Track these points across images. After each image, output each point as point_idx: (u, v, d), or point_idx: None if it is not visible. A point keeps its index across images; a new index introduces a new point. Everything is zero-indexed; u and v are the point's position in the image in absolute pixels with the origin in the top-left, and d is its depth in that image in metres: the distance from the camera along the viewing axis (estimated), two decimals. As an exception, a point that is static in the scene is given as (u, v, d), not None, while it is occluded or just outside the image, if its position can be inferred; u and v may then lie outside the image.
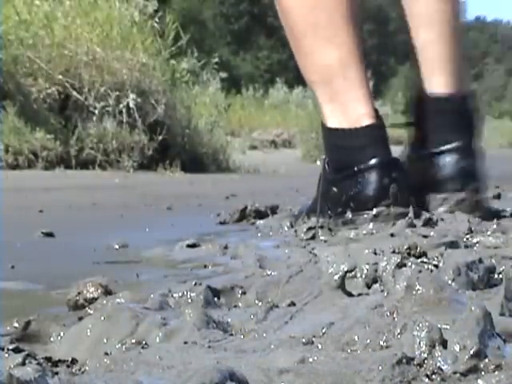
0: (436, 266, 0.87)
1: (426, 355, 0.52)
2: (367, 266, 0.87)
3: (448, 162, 1.49)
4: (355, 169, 1.36)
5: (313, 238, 1.36)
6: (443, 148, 1.49)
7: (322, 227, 1.38)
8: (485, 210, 1.51)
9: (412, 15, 1.54)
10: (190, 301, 0.76)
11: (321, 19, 1.39)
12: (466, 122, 1.52)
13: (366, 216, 1.35)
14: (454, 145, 1.49)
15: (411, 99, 1.60)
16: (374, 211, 1.34)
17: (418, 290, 0.61)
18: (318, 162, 1.54)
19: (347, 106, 1.39)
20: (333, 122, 1.41)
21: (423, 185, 1.50)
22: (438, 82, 1.51)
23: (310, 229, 1.40)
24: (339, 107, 1.40)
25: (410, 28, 1.56)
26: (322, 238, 1.36)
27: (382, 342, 0.56)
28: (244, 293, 0.84)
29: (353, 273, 0.86)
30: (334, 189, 1.41)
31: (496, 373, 0.51)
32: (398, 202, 1.35)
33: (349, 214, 1.37)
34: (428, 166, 1.52)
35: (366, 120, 1.38)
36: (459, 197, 1.47)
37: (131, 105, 5.53)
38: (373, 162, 1.35)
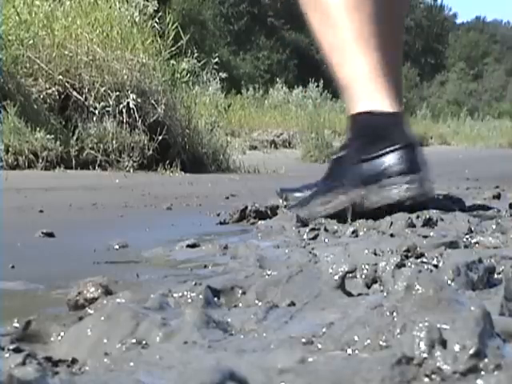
0: (436, 266, 0.88)
1: (425, 355, 0.52)
2: (367, 266, 0.87)
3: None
4: (392, 147, 1.65)
5: (315, 238, 1.38)
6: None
7: (326, 230, 1.42)
8: None
9: None
10: (190, 301, 0.76)
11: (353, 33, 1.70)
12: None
13: (401, 178, 1.64)
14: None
15: None
16: (408, 178, 1.64)
17: (418, 290, 0.61)
18: (326, 164, 1.87)
19: (386, 98, 1.70)
20: (367, 106, 1.71)
21: None
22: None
23: (312, 229, 1.42)
24: (380, 98, 1.70)
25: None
26: (323, 238, 1.37)
27: (381, 342, 0.56)
28: (244, 293, 0.84)
29: (353, 273, 0.87)
30: (365, 165, 1.68)
31: (496, 373, 0.51)
32: (425, 172, 1.67)
33: (384, 181, 1.65)
34: None
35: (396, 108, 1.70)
36: None
37: (131, 105, 5.53)
38: (402, 143, 1.65)
